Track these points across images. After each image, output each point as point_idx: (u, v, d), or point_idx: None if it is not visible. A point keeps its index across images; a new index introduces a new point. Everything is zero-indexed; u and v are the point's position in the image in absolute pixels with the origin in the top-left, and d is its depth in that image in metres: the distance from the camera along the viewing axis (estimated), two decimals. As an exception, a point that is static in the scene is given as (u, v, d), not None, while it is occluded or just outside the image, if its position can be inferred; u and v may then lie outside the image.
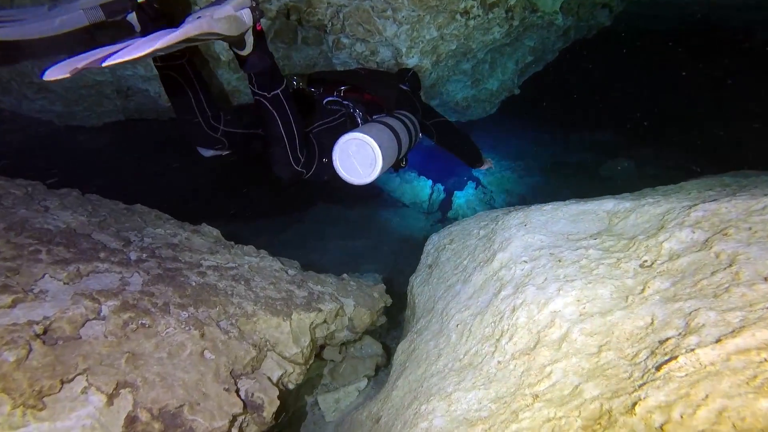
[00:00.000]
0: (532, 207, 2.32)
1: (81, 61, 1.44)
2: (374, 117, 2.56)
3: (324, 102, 2.61)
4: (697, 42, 6.99)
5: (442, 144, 3.10)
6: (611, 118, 8.95)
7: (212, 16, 1.69)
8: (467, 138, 3.24)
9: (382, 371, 2.89)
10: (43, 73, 1.46)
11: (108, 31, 2.27)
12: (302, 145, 2.24)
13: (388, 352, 2.94)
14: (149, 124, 3.89)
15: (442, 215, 9.21)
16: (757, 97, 6.90)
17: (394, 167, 2.74)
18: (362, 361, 2.78)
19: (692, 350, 1.00)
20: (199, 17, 1.69)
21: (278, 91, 2.08)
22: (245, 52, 1.92)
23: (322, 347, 2.61)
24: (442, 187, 9.68)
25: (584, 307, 1.50)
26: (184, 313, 1.79)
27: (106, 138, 3.82)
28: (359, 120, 2.54)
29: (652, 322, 1.28)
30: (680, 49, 7.57)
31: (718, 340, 0.98)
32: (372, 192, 9.00)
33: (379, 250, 5.93)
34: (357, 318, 2.53)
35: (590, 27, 5.12)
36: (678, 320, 1.21)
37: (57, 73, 1.44)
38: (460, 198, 9.30)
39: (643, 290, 1.43)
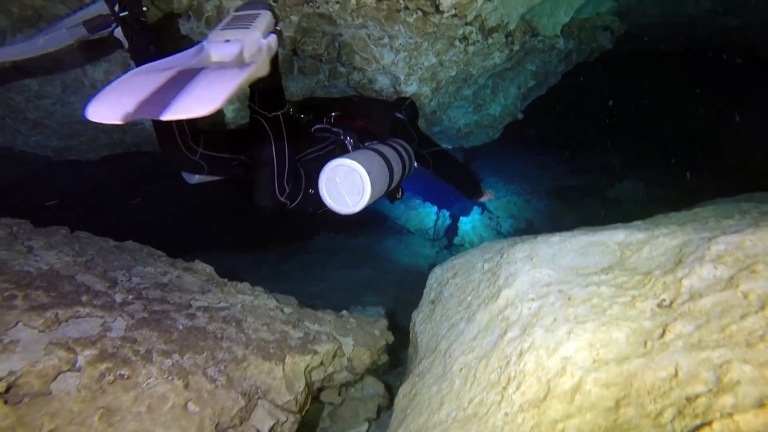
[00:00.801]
0: (539, 238, 2.21)
1: (132, 103, 1.29)
2: (366, 144, 2.44)
3: (312, 129, 2.50)
4: (700, 62, 6.94)
5: (439, 174, 2.97)
6: (617, 140, 8.86)
7: (247, 54, 1.56)
8: (465, 168, 3.12)
9: (384, 413, 2.73)
10: (85, 110, 1.29)
11: (97, 48, 2.22)
12: (290, 175, 2.12)
13: (391, 392, 2.79)
14: (148, 156, 3.85)
15: (449, 241, 9.07)
16: (764, 115, 6.80)
17: (390, 198, 2.62)
18: (363, 403, 2.63)
19: (729, 415, 0.87)
20: (229, 41, 1.54)
21: (279, 113, 1.98)
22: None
23: (321, 390, 2.46)
24: (447, 213, 9.58)
25: (598, 353, 1.36)
26: (168, 360, 1.67)
27: (103, 172, 3.77)
28: (350, 147, 2.41)
29: (676, 374, 1.14)
30: (684, 70, 7.51)
31: (761, 405, 0.85)
32: (377, 220, 8.92)
33: (384, 279, 5.79)
34: (356, 358, 2.39)
35: (592, 50, 5.08)
36: (707, 373, 1.08)
37: (106, 115, 1.27)
38: (465, 224, 9.18)
39: (663, 334, 1.29)
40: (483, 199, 3.27)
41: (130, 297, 1.95)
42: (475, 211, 9.25)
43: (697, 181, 6.92)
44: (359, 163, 2.02)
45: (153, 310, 1.93)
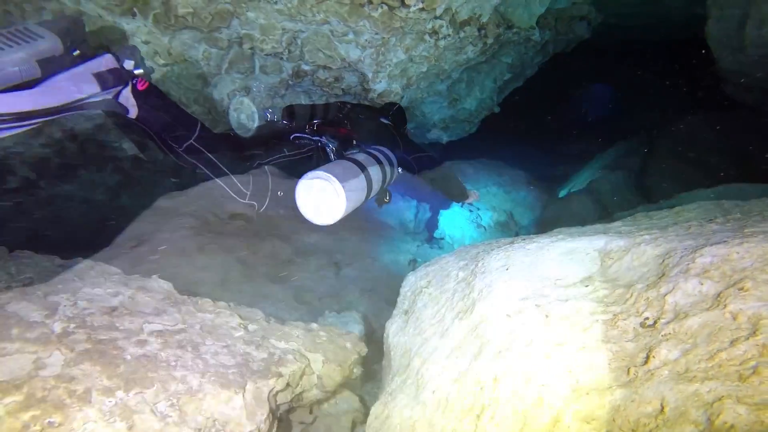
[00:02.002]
0: (515, 245, 2.09)
1: None
2: (346, 153, 2.47)
3: (291, 137, 2.50)
4: (678, 51, 6.92)
5: (424, 180, 2.98)
6: (597, 129, 8.85)
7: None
8: (450, 173, 3.10)
9: (359, 427, 2.61)
10: None
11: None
12: (244, 182, 2.18)
13: (367, 406, 2.66)
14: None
15: (429, 235, 8.96)
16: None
17: (378, 203, 2.61)
18: (337, 420, 2.50)
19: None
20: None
21: (191, 141, 2.01)
22: (133, 115, 1.86)
23: (290, 410, 2.32)
24: (427, 206, 9.45)
25: (577, 381, 1.25)
26: (111, 399, 1.51)
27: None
28: (332, 155, 2.45)
29: (662, 410, 1.03)
30: (662, 59, 7.50)
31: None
32: (356, 214, 8.75)
33: (363, 277, 5.62)
34: (326, 376, 2.26)
35: (569, 40, 4.99)
36: (696, 412, 0.97)
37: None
38: (445, 216, 9.07)
39: (647, 360, 1.18)
40: (469, 201, 3.26)
41: (72, 326, 1.77)
42: (455, 204, 9.16)
43: (676, 169, 6.91)
44: (335, 176, 2.04)
45: (98, 339, 1.76)
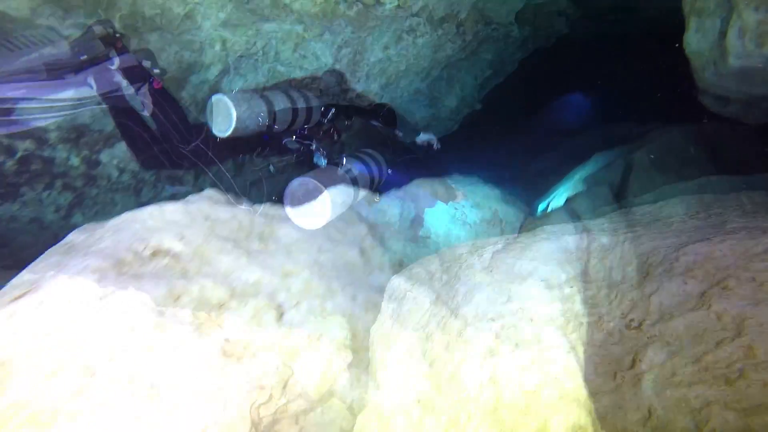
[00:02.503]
0: (499, 245, 2.06)
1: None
2: (336, 157, 2.53)
3: (283, 141, 2.55)
4: (658, 45, 6.97)
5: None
6: (581, 123, 8.89)
7: None
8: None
9: (347, 436, 2.56)
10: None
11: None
12: (241, 188, 2.24)
13: (354, 413, 2.61)
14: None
15: (414, 234, 8.94)
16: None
17: (368, 203, 2.79)
18: (324, 429, 2.45)
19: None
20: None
21: (197, 142, 2.08)
22: (147, 112, 1.97)
23: (275, 422, 2.27)
24: (412, 204, 9.43)
25: (564, 387, 1.22)
26: None
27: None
28: (323, 159, 2.50)
29: (649, 416, 1.01)
30: (641, 52, 7.55)
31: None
32: (341, 214, 8.67)
33: (349, 279, 5.59)
34: (311, 384, 2.20)
35: (548, 35, 4.97)
36: (684, 419, 0.94)
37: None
38: (431, 215, 9.06)
39: (633, 364, 1.16)
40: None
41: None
42: (441, 202, 9.14)
43: (658, 184, 6.97)
44: (321, 181, 2.10)
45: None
